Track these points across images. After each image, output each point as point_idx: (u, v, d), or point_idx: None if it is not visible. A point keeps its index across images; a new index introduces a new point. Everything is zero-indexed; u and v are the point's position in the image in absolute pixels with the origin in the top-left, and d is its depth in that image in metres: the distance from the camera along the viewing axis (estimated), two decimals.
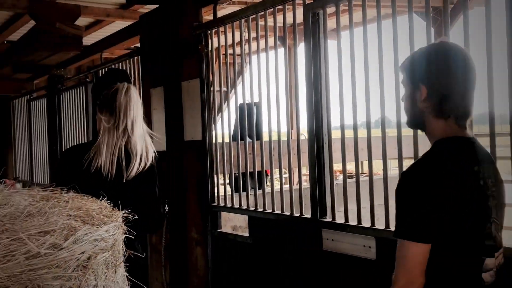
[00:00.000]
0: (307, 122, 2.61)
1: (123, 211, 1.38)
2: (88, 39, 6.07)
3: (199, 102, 3.31)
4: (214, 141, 3.29)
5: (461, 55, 1.44)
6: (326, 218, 2.55)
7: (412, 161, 1.55)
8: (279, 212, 2.81)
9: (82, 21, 5.64)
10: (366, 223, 2.36)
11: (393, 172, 7.18)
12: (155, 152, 2.44)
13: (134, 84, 4.11)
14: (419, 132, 1.99)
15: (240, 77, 3.41)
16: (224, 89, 3.31)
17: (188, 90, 3.40)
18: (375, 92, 2.28)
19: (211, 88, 3.29)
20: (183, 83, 3.44)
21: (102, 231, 1.11)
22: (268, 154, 2.91)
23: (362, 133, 2.52)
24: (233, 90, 4.16)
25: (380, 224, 2.29)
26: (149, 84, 3.81)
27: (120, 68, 4.31)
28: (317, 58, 2.56)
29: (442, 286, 1.39)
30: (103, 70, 4.62)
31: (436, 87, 1.44)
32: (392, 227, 2.05)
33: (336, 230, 2.46)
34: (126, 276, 1.35)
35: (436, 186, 1.34)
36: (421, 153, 1.75)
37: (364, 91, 2.34)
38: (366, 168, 8.19)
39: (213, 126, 3.31)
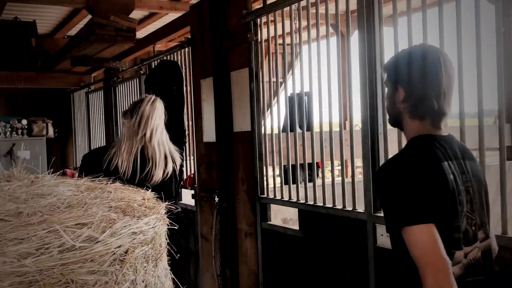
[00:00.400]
0: (361, 113, 2.49)
1: (166, 203, 1.35)
2: (143, 33, 6.19)
3: (248, 93, 3.25)
4: (263, 132, 3.22)
5: (438, 58, 1.47)
6: (380, 212, 2.43)
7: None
8: (330, 205, 2.71)
9: (136, 14, 5.75)
10: None
11: None
12: (182, 160, 2.57)
13: (185, 76, 4.12)
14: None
15: (291, 67, 3.31)
16: (273, 79, 3.22)
17: (237, 80, 3.35)
18: None
19: (260, 78, 3.22)
20: (232, 73, 3.39)
21: (142, 223, 1.07)
22: (319, 145, 2.81)
23: None
24: (283, 80, 4.07)
25: None
26: (199, 75, 3.80)
27: (172, 59, 4.34)
28: (372, 45, 2.42)
29: (415, 279, 1.35)
30: (155, 62, 4.67)
31: (412, 90, 1.49)
32: None
33: None
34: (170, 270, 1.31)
35: (407, 184, 1.37)
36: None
37: None
38: None
39: (263, 117, 3.24)
